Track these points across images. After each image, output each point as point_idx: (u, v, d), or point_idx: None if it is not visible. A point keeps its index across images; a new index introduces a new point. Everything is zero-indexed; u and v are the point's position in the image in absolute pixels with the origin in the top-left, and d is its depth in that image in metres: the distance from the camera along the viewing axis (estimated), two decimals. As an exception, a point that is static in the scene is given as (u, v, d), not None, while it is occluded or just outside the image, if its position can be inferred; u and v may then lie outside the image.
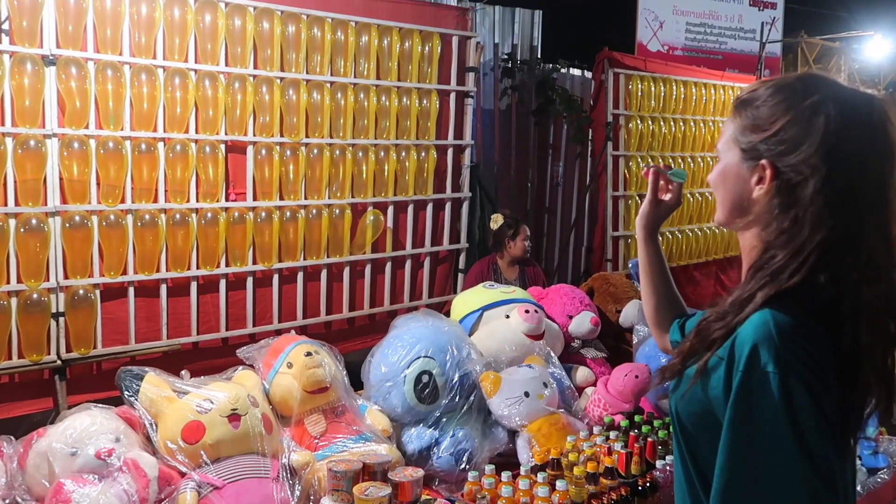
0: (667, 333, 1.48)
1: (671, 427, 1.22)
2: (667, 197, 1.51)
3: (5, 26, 2.98)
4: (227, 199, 3.61)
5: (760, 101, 1.10)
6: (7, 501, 1.96)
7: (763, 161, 1.07)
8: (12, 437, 2.11)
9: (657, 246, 1.53)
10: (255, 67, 3.63)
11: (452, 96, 4.46)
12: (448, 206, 4.55)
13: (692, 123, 5.97)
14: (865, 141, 1.03)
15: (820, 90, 1.06)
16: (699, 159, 6.07)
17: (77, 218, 3.16)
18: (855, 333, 1.01)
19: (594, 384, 2.96)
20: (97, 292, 3.27)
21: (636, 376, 2.73)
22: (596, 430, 2.58)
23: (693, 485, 1.13)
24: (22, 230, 3.03)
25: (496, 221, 4.41)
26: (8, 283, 3.04)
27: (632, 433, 2.46)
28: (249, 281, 3.75)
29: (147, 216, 3.35)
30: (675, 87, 5.79)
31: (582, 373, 3.03)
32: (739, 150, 1.12)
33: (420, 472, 2.09)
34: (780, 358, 0.96)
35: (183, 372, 2.37)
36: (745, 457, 0.98)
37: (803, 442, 0.94)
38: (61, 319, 3.16)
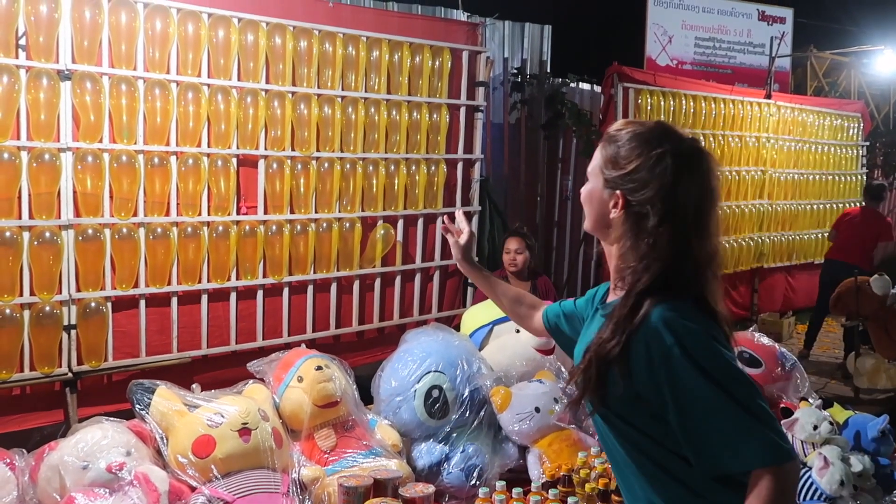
0: (531, 321, 1.82)
1: (604, 440, 1.42)
2: (462, 238, 1.90)
3: (22, 41, 3.02)
4: (238, 213, 3.63)
5: (622, 141, 1.37)
6: (18, 515, 1.96)
7: (618, 191, 1.35)
8: (24, 451, 2.11)
9: (479, 269, 1.92)
10: (268, 82, 3.66)
11: (462, 110, 4.48)
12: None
13: (702, 138, 5.95)
14: (694, 186, 1.32)
15: (663, 143, 1.33)
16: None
17: (90, 231, 3.18)
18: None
19: (605, 400, 2.94)
20: (109, 305, 3.28)
21: (648, 392, 2.71)
22: (607, 446, 2.55)
23: (657, 475, 1.32)
24: (35, 243, 3.05)
25: None
26: (21, 295, 3.06)
27: (644, 450, 2.44)
28: (259, 294, 3.75)
29: (159, 229, 3.37)
30: (684, 102, 5.79)
31: (593, 388, 3.01)
32: (602, 178, 1.39)
33: (431, 489, 2.08)
34: (677, 335, 1.24)
35: (194, 385, 2.38)
36: (696, 416, 1.23)
37: (720, 382, 1.22)
38: (73, 332, 3.17)
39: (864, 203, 6.53)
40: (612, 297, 1.44)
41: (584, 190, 1.45)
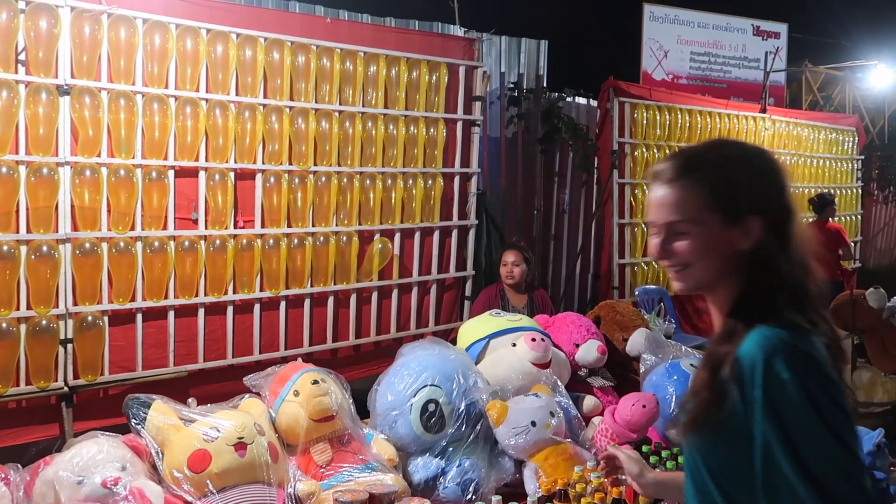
0: None
1: (689, 468, 1.23)
2: (633, 468, 1.62)
3: (21, 56, 3.04)
4: (235, 226, 3.64)
5: (712, 167, 1.19)
6: (12, 530, 1.95)
7: (749, 216, 1.15)
8: (19, 465, 2.10)
9: (659, 482, 1.63)
10: (265, 97, 3.68)
11: (459, 125, 4.50)
12: (455, 234, 4.57)
13: (697, 151, 6.00)
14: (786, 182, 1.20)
15: (747, 148, 1.24)
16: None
17: (87, 245, 3.19)
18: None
19: (601, 413, 2.94)
20: (105, 318, 3.28)
21: (643, 406, 2.71)
22: (603, 460, 2.55)
23: None
24: (33, 257, 3.06)
25: None
26: (17, 309, 3.06)
27: (640, 464, 2.44)
28: (256, 307, 3.76)
29: (156, 243, 3.38)
30: (680, 116, 5.84)
31: (589, 402, 3.01)
32: (719, 214, 1.16)
33: (426, 503, 2.08)
34: (791, 364, 1.05)
35: (190, 400, 2.37)
36: (800, 461, 1.04)
37: (834, 432, 1.04)
38: (69, 346, 3.17)
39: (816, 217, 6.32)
40: None
41: (687, 248, 1.18)
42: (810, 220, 6.22)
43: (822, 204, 5.96)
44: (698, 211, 1.17)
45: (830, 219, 5.95)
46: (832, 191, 7.52)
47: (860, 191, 8.15)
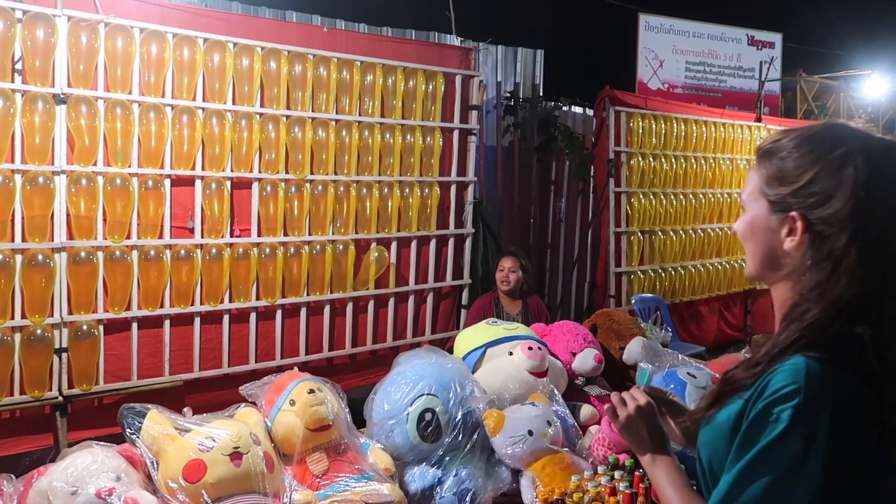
0: None
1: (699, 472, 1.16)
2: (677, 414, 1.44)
3: (18, 66, 3.04)
4: (231, 235, 3.63)
5: (785, 151, 1.09)
6: (5, 541, 1.93)
7: (793, 213, 1.06)
8: (12, 476, 2.09)
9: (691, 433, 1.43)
10: (262, 106, 3.69)
11: (456, 133, 4.52)
12: (451, 242, 4.57)
13: (693, 160, 6.02)
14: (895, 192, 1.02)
15: (847, 141, 1.04)
16: (700, 196, 6.12)
17: (83, 254, 3.18)
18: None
19: (599, 422, 2.93)
20: (101, 327, 3.27)
21: (641, 414, 2.70)
22: (600, 469, 2.54)
23: None
24: (28, 265, 3.05)
25: None
26: (12, 318, 3.05)
27: (637, 473, 2.43)
28: (252, 316, 3.75)
29: (152, 252, 3.37)
30: (675, 125, 5.86)
31: (586, 411, 3.00)
32: (767, 201, 1.10)
33: (423, 513, 2.06)
34: (798, 410, 0.95)
35: (185, 409, 2.36)
36: (746, 486, 0.97)
37: (797, 486, 0.94)
38: (64, 355, 3.15)
39: None
40: None
41: (740, 223, 1.15)
42: None
43: None
44: (753, 192, 1.13)
45: None
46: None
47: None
